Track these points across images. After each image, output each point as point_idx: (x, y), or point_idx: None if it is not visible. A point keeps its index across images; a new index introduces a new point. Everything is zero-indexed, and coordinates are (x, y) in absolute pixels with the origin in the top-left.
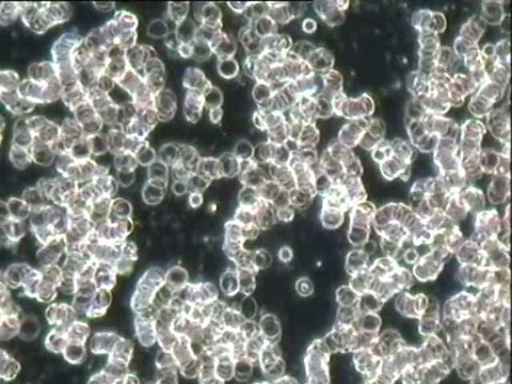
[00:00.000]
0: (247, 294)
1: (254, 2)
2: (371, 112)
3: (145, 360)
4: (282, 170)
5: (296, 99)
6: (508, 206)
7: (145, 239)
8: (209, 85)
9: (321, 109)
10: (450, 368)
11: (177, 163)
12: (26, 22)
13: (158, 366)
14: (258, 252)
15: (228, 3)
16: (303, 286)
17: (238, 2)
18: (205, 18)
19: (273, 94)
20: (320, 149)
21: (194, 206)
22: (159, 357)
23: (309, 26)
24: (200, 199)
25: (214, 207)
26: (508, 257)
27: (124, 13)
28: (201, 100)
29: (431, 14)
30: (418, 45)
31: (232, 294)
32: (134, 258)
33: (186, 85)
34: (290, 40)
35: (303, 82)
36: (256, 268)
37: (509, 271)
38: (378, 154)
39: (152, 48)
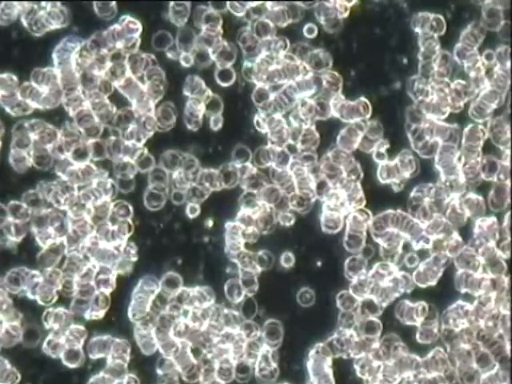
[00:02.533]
0: (250, 295)
1: (253, 5)
2: (368, 115)
3: (145, 363)
4: (282, 174)
5: (296, 101)
6: (508, 214)
7: (145, 242)
8: (209, 92)
9: (319, 110)
10: (451, 383)
11: (177, 172)
12: (24, 23)
13: (160, 372)
14: (260, 253)
15: (228, 7)
16: (304, 290)
17: (238, 6)
18: (205, 25)
19: (272, 96)
20: (320, 153)
21: (191, 216)
22: (160, 363)
23: (310, 31)
24: (197, 210)
25: (210, 223)
26: (505, 264)
27: (128, 18)
28: (201, 108)
29: (431, 16)
30: (417, 49)
31: (238, 301)
32: (134, 259)
33: (186, 93)
34: (288, 42)
35: (302, 83)
36: (259, 269)
37: (505, 279)
38: (379, 155)
39: (153, 56)
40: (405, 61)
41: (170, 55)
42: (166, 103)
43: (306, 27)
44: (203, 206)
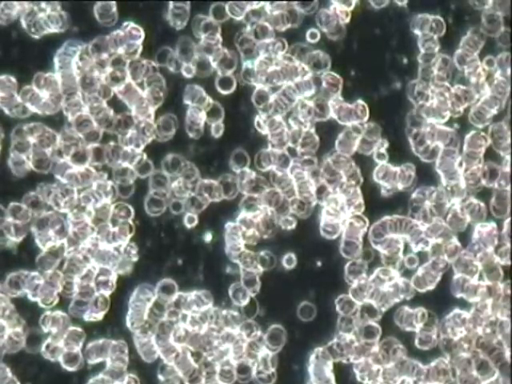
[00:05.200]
0: (252, 295)
1: (253, 8)
2: (366, 118)
3: (146, 368)
4: (282, 177)
5: (295, 102)
6: (507, 220)
7: (144, 245)
8: (209, 100)
9: (319, 112)
10: None
11: (176, 182)
12: (23, 24)
13: (161, 377)
14: (262, 253)
15: (227, 11)
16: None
17: (237, 9)
18: (204, 33)
19: (272, 97)
20: (319, 156)
21: (188, 226)
22: (161, 368)
23: (312, 36)
24: (195, 220)
25: (209, 237)
26: (501, 271)
27: (132, 24)
28: (202, 116)
29: (430, 18)
30: (417, 52)
31: (243, 304)
32: (135, 259)
33: (186, 101)
34: (286, 43)
35: (301, 84)
36: (260, 269)
37: (502, 285)
38: (380, 155)
39: (154, 63)
40: (405, 64)
41: (171, 68)
42: (168, 114)
43: (308, 32)
44: (204, 209)
